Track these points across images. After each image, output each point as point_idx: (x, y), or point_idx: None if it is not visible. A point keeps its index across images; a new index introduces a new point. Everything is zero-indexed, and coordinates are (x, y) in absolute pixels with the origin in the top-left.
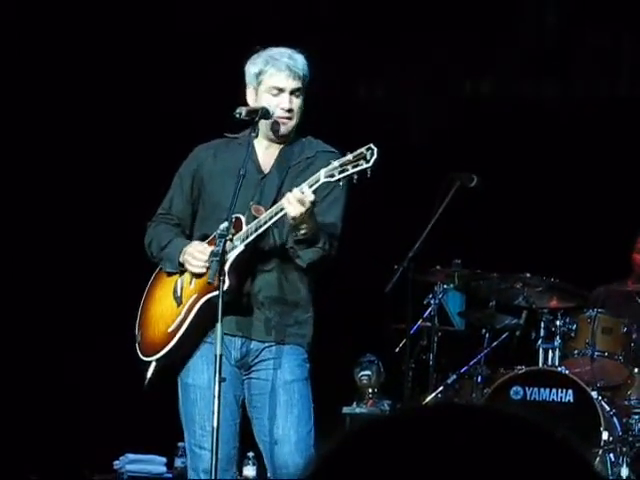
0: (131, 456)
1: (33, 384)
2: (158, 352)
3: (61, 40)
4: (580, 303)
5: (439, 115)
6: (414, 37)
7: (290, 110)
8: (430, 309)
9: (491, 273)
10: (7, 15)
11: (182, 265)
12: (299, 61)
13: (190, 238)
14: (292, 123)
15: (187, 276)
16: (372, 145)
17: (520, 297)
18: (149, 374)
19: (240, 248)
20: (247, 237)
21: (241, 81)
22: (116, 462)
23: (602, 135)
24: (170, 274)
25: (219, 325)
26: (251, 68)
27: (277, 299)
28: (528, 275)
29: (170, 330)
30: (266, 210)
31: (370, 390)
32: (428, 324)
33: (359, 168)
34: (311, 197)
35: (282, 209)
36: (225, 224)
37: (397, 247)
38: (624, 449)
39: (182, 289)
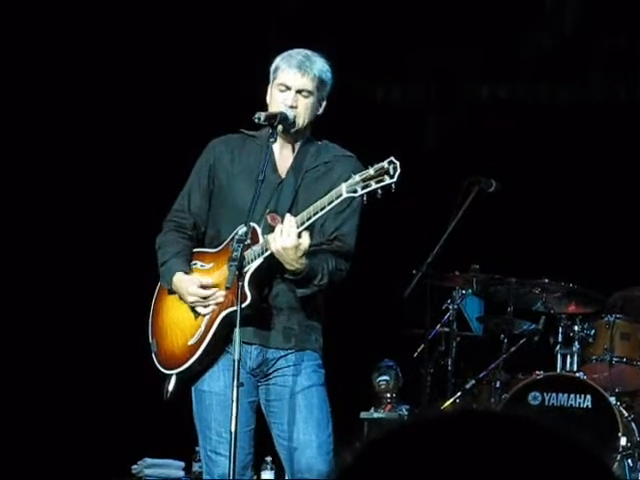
0: (149, 460)
1: (51, 388)
2: (180, 366)
3: (64, 41)
4: (598, 308)
5: (456, 119)
6: (430, 41)
7: (293, 107)
8: (448, 314)
9: (509, 278)
10: (8, 15)
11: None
12: (316, 62)
13: (204, 235)
14: (301, 118)
15: None
16: (393, 159)
17: (538, 302)
18: (170, 387)
19: (259, 261)
20: (266, 250)
21: (251, 83)
22: (134, 466)
23: (620, 139)
24: None
25: (237, 330)
26: (273, 64)
27: (293, 306)
28: (546, 280)
29: (191, 343)
30: (282, 218)
31: (388, 395)
32: (446, 329)
33: (383, 184)
34: (306, 242)
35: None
36: (244, 229)
37: (415, 252)
38: None
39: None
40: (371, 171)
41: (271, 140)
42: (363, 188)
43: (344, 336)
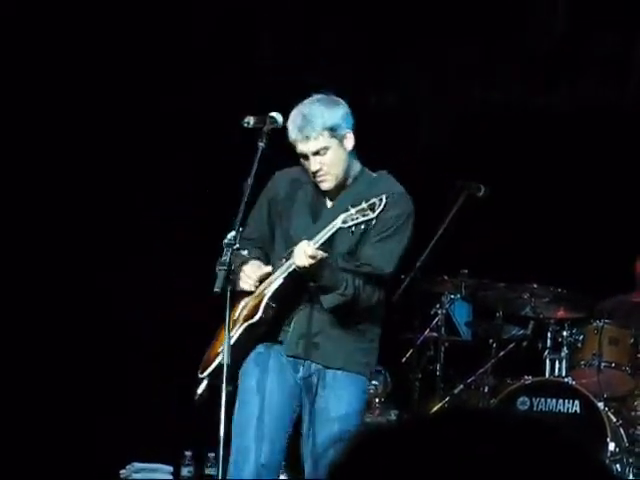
0: (137, 465)
1: (39, 392)
2: (207, 369)
3: (63, 43)
4: (587, 314)
5: (447, 123)
6: (422, 46)
7: (319, 170)
8: (437, 319)
9: (498, 283)
10: (9, 13)
11: None
12: (315, 118)
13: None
14: (330, 177)
15: (249, 300)
16: (384, 196)
17: (527, 307)
18: (199, 390)
19: (279, 281)
20: (286, 270)
21: (247, 85)
22: (122, 471)
23: (611, 143)
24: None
25: (226, 333)
26: None
27: (336, 324)
28: (535, 285)
29: (219, 350)
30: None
31: (377, 400)
32: (435, 334)
33: (365, 218)
34: (312, 252)
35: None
36: (232, 233)
37: (404, 257)
38: (630, 460)
39: (239, 312)
40: (364, 205)
41: (261, 145)
42: (352, 220)
43: None
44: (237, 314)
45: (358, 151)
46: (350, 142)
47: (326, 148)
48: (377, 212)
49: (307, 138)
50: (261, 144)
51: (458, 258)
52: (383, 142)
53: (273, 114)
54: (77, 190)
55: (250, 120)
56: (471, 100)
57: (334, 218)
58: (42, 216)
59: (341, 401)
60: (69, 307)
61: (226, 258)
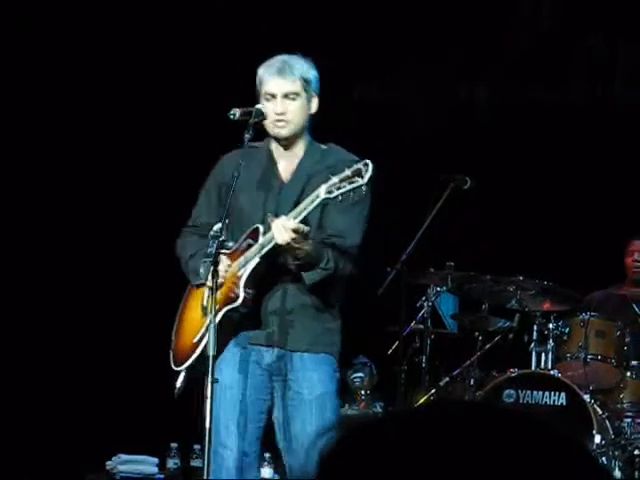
0: (123, 456)
1: (26, 384)
2: (185, 362)
3: (62, 42)
4: (573, 306)
5: (433, 118)
6: (409, 40)
7: (282, 114)
8: (423, 311)
9: (484, 276)
10: (9, 13)
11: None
12: (295, 64)
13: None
14: (290, 126)
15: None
16: (368, 161)
17: (513, 300)
18: (178, 383)
19: (255, 261)
20: (262, 249)
21: (236, 82)
22: (108, 462)
23: (597, 139)
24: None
25: (212, 326)
26: (257, 77)
27: (305, 306)
28: (521, 278)
29: (195, 340)
30: None
31: (362, 392)
32: (421, 326)
33: (353, 185)
34: (294, 226)
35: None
36: (218, 225)
37: (390, 249)
38: (616, 452)
39: (209, 299)
40: (348, 172)
41: (247, 136)
42: (338, 189)
43: None
44: (206, 301)
45: (343, 143)
46: (314, 105)
47: (297, 94)
48: (367, 178)
49: (284, 78)
50: (247, 136)
51: (444, 251)
52: (369, 135)
53: (259, 106)
54: (72, 188)
55: (236, 112)
56: (457, 95)
57: (294, 191)
58: (41, 215)
59: (312, 382)
60: (57, 301)
61: (212, 250)
